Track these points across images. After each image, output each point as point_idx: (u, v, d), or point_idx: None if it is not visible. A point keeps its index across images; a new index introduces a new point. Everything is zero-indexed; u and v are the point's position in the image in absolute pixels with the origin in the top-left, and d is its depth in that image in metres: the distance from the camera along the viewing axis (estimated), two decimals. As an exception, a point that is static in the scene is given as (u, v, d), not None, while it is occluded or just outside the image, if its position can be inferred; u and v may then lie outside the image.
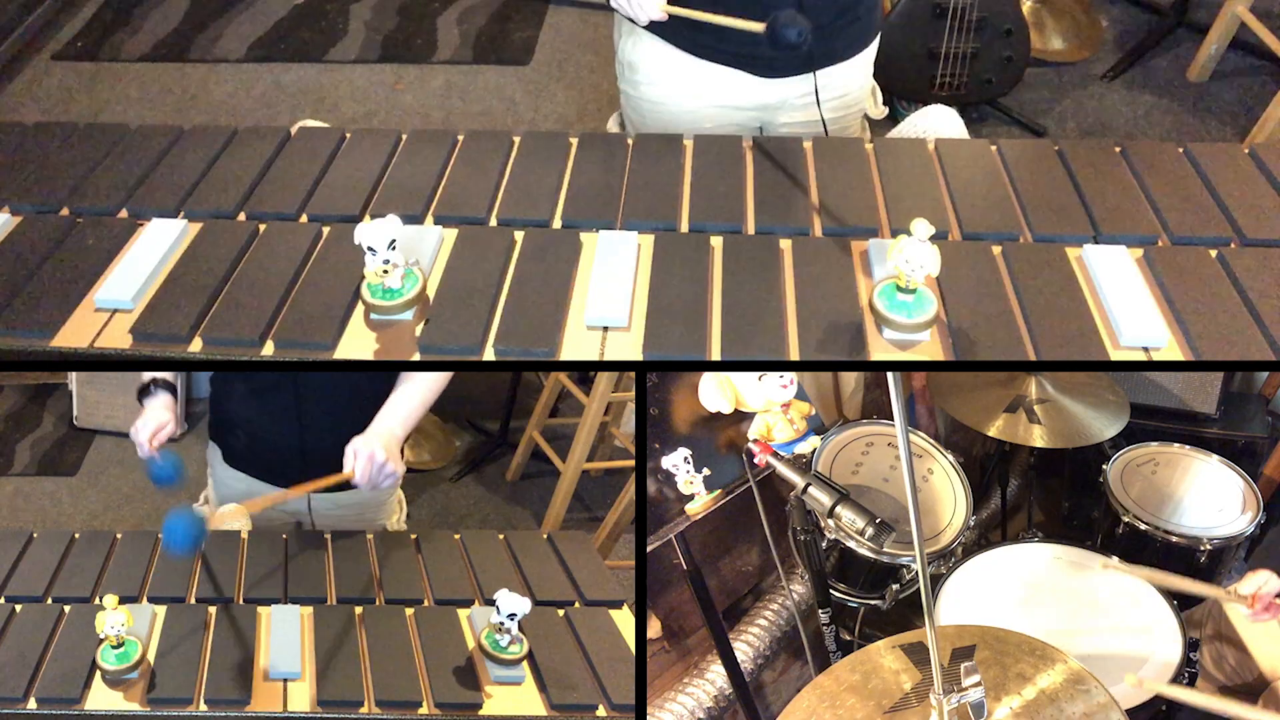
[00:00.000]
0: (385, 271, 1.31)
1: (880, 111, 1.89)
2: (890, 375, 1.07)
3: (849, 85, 1.78)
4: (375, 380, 1.71)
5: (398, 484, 1.74)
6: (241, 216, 1.52)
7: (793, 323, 1.31)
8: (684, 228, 1.48)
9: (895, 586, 1.75)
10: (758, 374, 1.51)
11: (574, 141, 1.63)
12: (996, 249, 1.41)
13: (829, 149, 1.61)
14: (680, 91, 1.75)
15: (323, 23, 3.94)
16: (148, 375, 1.72)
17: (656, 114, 1.79)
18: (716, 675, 1.94)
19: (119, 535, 1.73)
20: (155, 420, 1.65)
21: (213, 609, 1.53)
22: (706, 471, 1.50)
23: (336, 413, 1.72)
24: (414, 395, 1.68)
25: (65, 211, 1.54)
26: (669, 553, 1.50)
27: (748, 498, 1.49)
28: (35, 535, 1.72)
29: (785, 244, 1.43)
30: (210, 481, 1.91)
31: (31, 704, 1.34)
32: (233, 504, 1.82)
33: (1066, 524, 2.33)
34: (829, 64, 1.72)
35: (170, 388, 1.71)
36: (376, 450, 1.56)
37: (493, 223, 1.50)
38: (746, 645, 2.04)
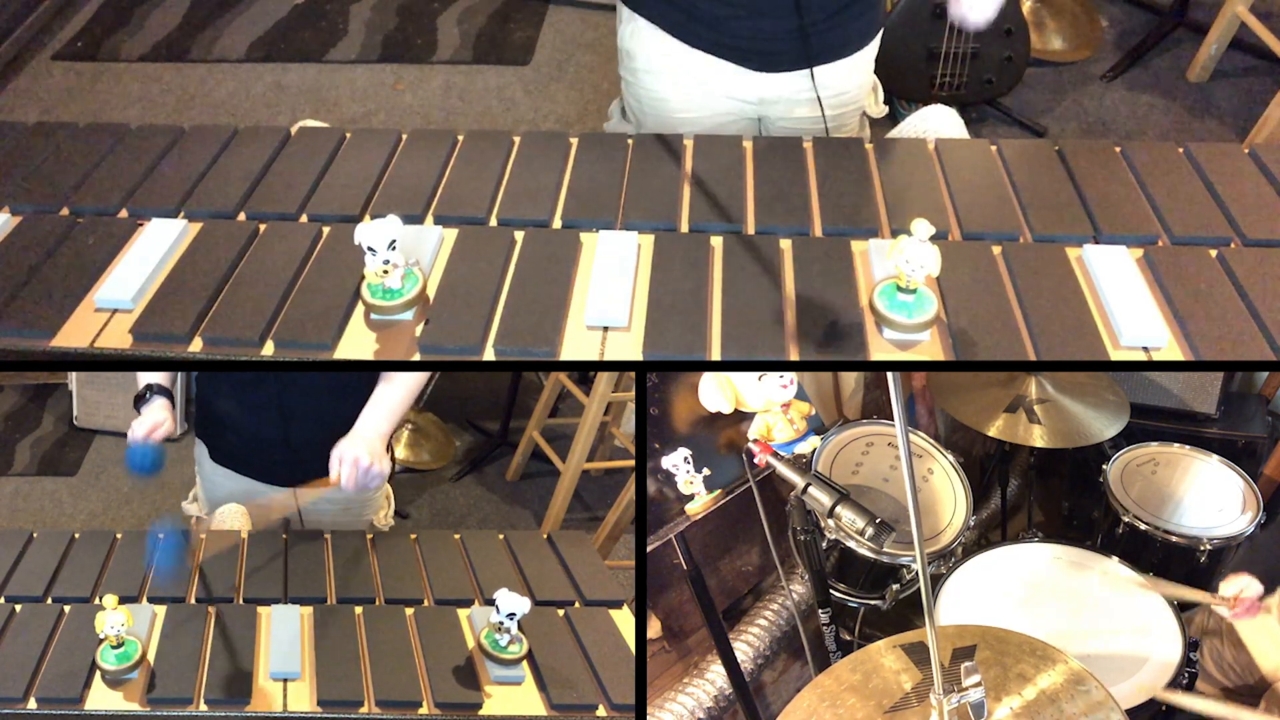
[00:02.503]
0: (385, 272, 1.30)
1: (880, 110, 1.89)
2: (890, 375, 1.07)
3: (848, 83, 1.78)
4: (357, 373, 1.72)
5: (384, 481, 1.74)
6: (241, 216, 1.52)
7: (793, 323, 1.31)
8: (684, 228, 1.48)
9: (895, 586, 1.75)
10: (758, 374, 1.51)
11: (574, 141, 1.63)
12: (996, 249, 1.41)
13: (829, 149, 1.61)
14: (677, 81, 1.75)
15: (323, 23, 3.94)
16: (142, 382, 1.70)
17: (654, 102, 1.79)
18: (716, 675, 1.94)
19: (119, 535, 1.73)
20: (152, 419, 1.63)
21: (213, 609, 1.53)
22: (706, 471, 1.50)
23: (320, 406, 1.73)
24: (397, 391, 1.68)
25: (65, 211, 1.54)
26: (669, 553, 1.50)
27: (748, 498, 1.49)
28: (35, 535, 1.72)
29: (785, 244, 1.43)
30: (198, 479, 1.91)
31: (31, 704, 1.34)
32: (233, 505, 1.83)
33: (1066, 524, 2.33)
34: (828, 60, 1.72)
35: (165, 392, 1.70)
36: (361, 455, 1.58)
37: (493, 223, 1.50)
38: (746, 645, 2.04)
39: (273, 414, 1.74)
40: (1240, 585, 1.54)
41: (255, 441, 1.78)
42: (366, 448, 1.59)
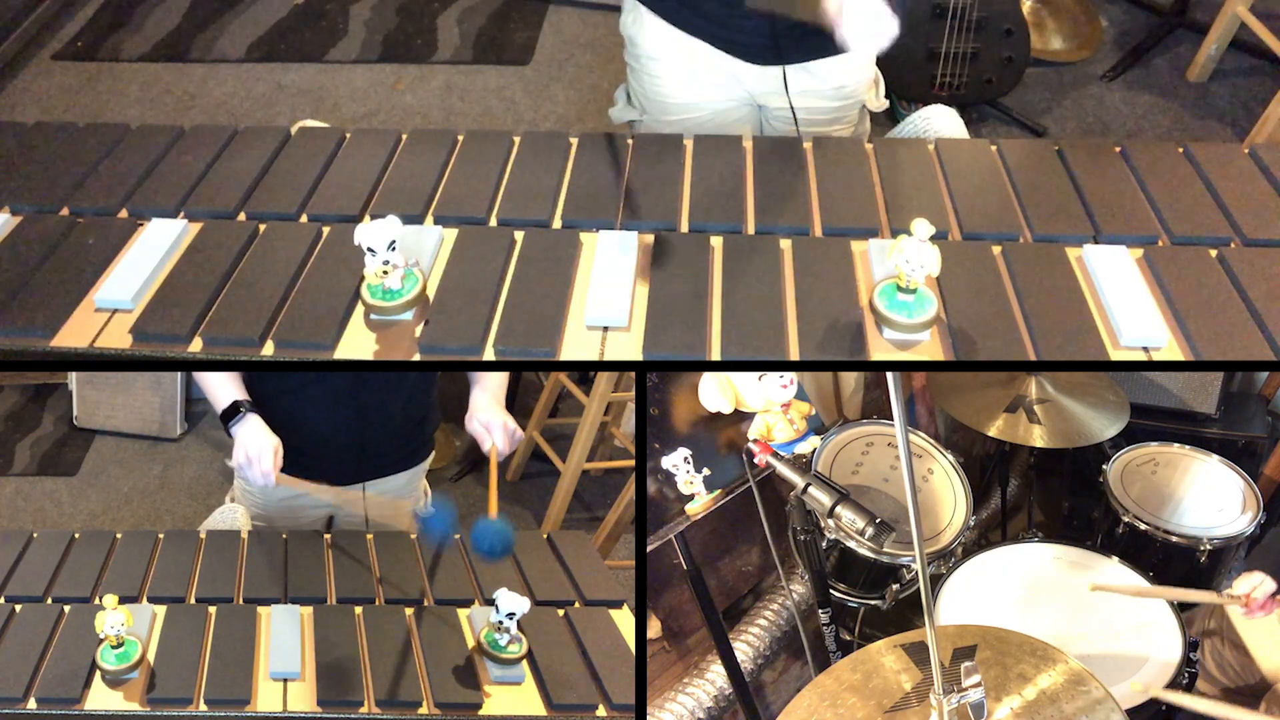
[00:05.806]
0: (385, 272, 1.30)
1: (880, 104, 1.88)
2: (890, 375, 1.07)
3: (847, 77, 1.78)
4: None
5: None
6: (241, 216, 1.52)
7: (793, 323, 1.31)
8: (684, 228, 1.48)
9: (895, 586, 1.75)
10: (758, 374, 1.51)
11: (574, 141, 1.63)
12: (996, 249, 1.41)
13: (829, 149, 1.61)
14: (678, 69, 1.76)
15: (323, 23, 3.94)
16: (226, 398, 1.62)
17: (657, 89, 1.80)
18: (716, 675, 1.94)
19: (119, 535, 1.73)
20: (268, 445, 1.59)
21: (213, 609, 1.53)
22: (706, 471, 1.50)
23: (396, 402, 1.76)
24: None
25: (65, 211, 1.54)
26: (669, 553, 1.50)
27: (748, 498, 1.49)
28: (35, 535, 1.72)
29: (785, 244, 1.43)
30: (240, 490, 1.88)
31: (31, 704, 1.34)
32: (233, 505, 1.82)
33: (1066, 524, 2.33)
34: (823, 55, 1.72)
35: (254, 408, 1.63)
36: (505, 420, 1.65)
37: (493, 223, 1.50)
38: (746, 645, 2.04)
39: (349, 415, 1.72)
40: (1254, 582, 1.53)
41: (327, 444, 1.75)
42: (502, 412, 1.66)
